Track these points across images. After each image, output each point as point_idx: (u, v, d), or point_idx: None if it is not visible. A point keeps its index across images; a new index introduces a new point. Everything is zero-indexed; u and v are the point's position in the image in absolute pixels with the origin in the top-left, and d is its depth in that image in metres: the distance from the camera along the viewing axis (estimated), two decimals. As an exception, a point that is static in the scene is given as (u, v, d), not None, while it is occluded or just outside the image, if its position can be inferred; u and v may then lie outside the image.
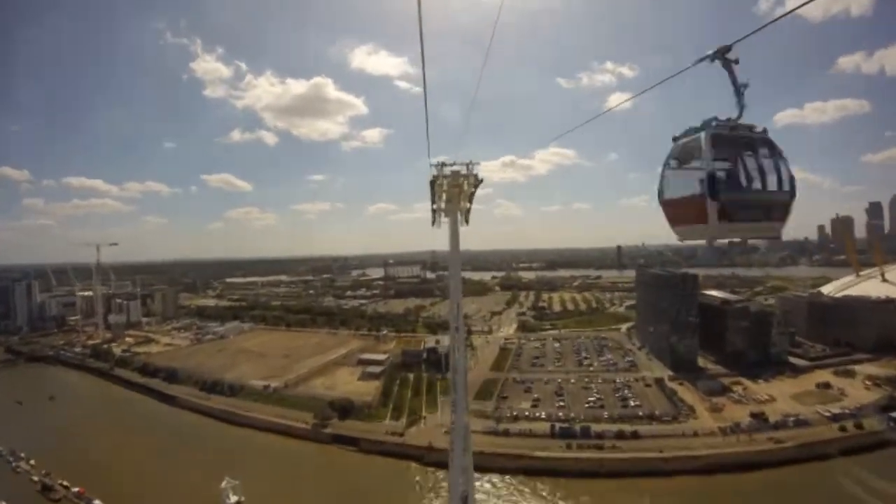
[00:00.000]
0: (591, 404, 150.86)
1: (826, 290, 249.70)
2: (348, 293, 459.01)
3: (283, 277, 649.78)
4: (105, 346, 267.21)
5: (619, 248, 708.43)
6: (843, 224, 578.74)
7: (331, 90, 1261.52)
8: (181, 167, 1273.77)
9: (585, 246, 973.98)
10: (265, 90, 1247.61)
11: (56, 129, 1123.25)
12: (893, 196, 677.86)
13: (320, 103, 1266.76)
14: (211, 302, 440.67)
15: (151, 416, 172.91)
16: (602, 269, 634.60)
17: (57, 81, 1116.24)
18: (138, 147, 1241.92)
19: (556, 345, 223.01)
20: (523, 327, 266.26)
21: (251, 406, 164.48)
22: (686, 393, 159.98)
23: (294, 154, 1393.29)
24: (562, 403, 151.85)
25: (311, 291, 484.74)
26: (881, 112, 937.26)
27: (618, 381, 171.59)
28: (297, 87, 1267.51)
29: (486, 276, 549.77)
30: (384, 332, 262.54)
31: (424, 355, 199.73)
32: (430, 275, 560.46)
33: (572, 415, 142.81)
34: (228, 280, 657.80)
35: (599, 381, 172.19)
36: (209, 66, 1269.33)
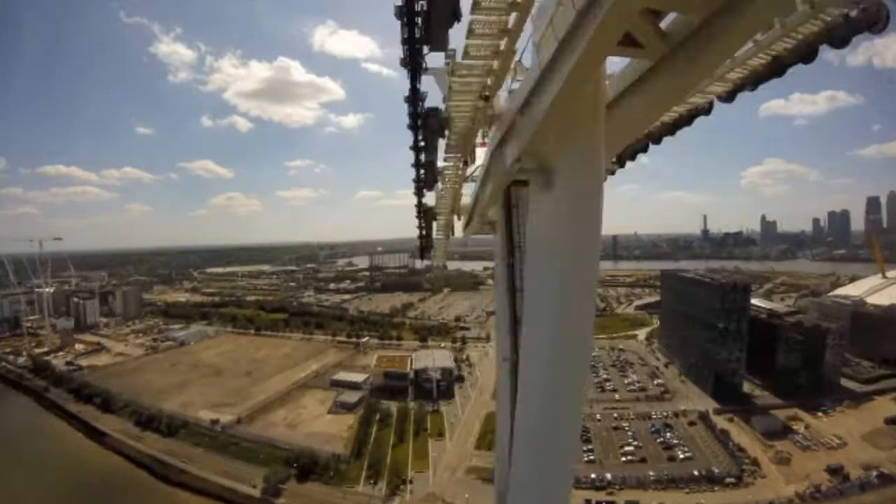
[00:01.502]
0: (630, 456, 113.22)
1: (851, 292, 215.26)
2: (331, 286, 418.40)
3: (266, 267, 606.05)
4: (50, 356, 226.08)
5: (614, 238, 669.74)
6: (862, 221, 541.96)
7: (299, 73, 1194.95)
8: (158, 154, 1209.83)
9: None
10: (231, 73, 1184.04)
11: (26, 118, 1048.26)
12: (891, 192, 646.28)
13: (290, 87, 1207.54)
14: (183, 297, 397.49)
15: (71, 461, 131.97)
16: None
17: (22, 69, 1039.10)
18: (111, 134, 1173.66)
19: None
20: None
21: (190, 453, 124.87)
22: (741, 435, 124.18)
23: (271, 140, 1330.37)
24: (591, 456, 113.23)
25: (292, 284, 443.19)
26: (870, 105, 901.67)
27: (654, 415, 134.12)
28: (262, 69, 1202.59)
29: (478, 267, 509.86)
30: (365, 339, 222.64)
31: (412, 375, 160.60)
32: (418, 264, 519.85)
33: (608, 476, 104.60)
34: (209, 270, 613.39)
35: (631, 416, 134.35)
36: (168, 48, 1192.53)
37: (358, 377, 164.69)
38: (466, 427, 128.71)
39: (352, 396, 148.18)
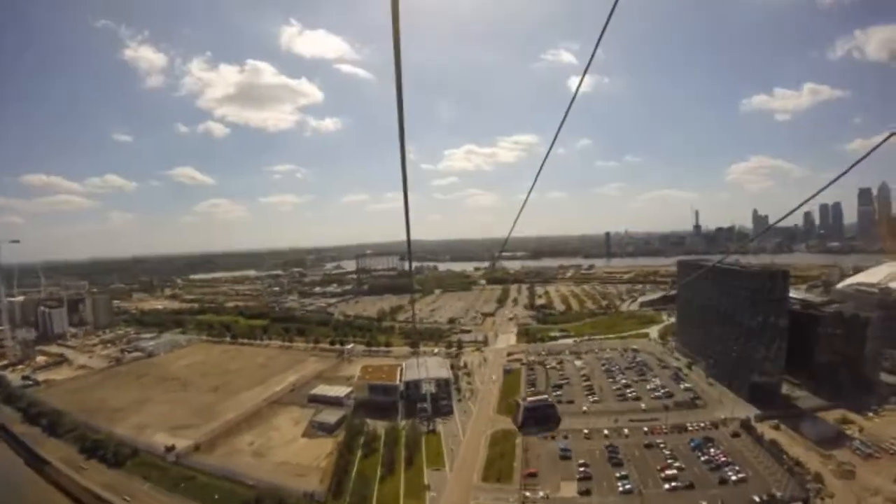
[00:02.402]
0: (674, 483, 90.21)
1: (866, 280, 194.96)
2: (317, 289, 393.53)
3: (252, 272, 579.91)
4: (9, 369, 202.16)
5: (607, 234, 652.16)
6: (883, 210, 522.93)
7: (272, 77, 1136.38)
8: (137, 162, 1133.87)
9: (560, 234, 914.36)
10: (202, 78, 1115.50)
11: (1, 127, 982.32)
12: (882, 183, 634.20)
13: (264, 91, 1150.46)
14: (162, 304, 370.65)
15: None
16: (589, 258, 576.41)
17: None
18: (87, 143, 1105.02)
19: (579, 363, 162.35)
20: (526, 334, 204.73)
21: (136, 489, 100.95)
22: (793, 445, 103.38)
23: (250, 145, 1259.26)
24: (627, 484, 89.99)
25: (275, 288, 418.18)
26: (851, 99, 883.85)
27: (690, 427, 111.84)
28: (234, 73, 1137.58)
29: (469, 267, 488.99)
30: (350, 345, 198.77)
31: (402, 388, 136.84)
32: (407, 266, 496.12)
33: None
34: (193, 276, 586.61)
35: (664, 428, 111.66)
36: (137, 53, 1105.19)
37: (339, 391, 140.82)
38: (470, 451, 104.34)
39: (332, 416, 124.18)
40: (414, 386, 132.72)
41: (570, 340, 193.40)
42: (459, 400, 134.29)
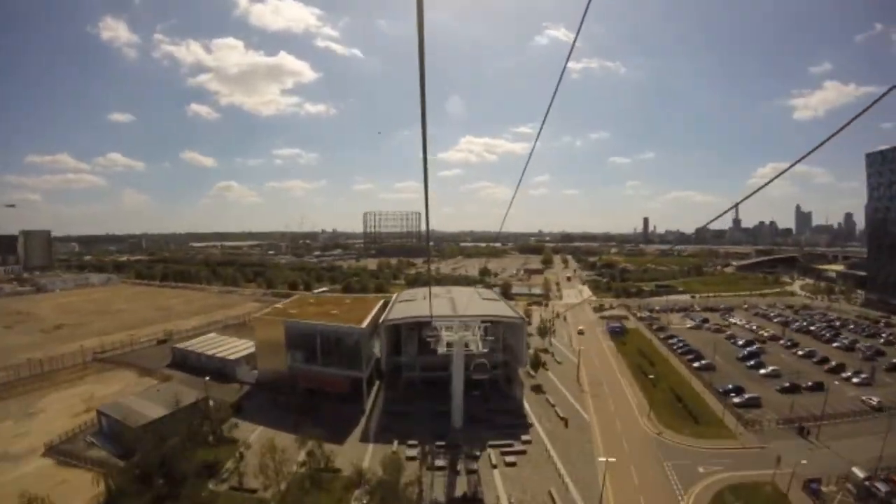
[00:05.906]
0: None
1: None
2: (316, 253, 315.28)
3: (254, 242, 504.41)
4: None
5: (646, 220, 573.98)
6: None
7: (240, 54, 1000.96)
8: (135, 141, 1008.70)
9: (580, 231, 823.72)
10: (170, 51, 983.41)
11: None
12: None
13: (244, 68, 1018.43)
14: (126, 258, 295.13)
15: None
16: (624, 243, 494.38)
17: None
18: (84, 122, 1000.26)
19: (736, 321, 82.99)
20: (609, 289, 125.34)
21: None
22: None
23: (247, 127, 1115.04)
24: None
25: (270, 252, 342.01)
26: (878, 104, 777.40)
27: None
28: (200, 49, 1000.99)
29: (495, 245, 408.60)
30: (323, 289, 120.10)
31: (377, 350, 52.87)
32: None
33: None
34: (192, 244, 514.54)
35: None
36: (115, 32, 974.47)
37: (240, 347, 62.47)
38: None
39: (151, 406, 43.85)
40: (410, 335, 51.11)
41: (685, 297, 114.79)
42: (532, 377, 53.43)
